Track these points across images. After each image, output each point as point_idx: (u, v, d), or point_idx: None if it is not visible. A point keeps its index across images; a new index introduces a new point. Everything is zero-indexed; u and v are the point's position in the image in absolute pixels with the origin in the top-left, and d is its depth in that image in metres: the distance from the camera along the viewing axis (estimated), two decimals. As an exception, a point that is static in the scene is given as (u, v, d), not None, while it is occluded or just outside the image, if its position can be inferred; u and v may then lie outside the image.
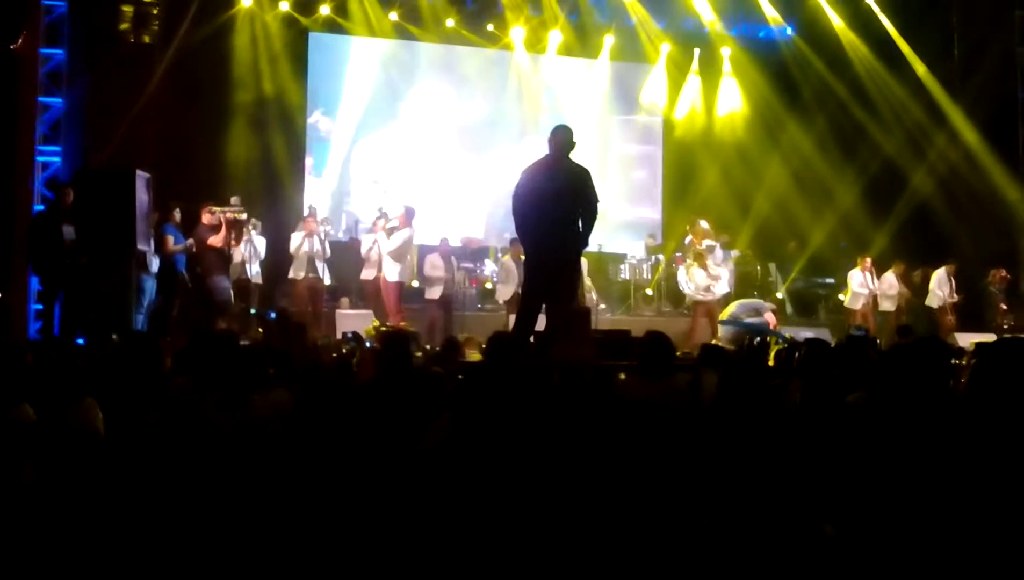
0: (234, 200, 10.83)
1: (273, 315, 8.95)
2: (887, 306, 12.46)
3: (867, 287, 12.32)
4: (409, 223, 11.09)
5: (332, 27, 13.39)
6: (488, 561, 2.83)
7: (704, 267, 11.36)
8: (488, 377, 4.05)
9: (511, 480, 3.24)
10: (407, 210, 11.21)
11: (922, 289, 12.64)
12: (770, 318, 10.87)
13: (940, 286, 12.44)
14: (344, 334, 8.69)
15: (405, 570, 2.79)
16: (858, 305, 12.32)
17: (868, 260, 12.42)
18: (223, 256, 10.55)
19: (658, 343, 4.93)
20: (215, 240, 10.34)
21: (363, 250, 11.42)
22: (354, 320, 10.65)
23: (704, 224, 11.86)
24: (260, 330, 9.08)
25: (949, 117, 13.25)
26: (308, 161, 13.38)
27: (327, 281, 11.28)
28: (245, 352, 4.72)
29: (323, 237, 11.29)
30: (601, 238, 10.84)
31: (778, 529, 2.19)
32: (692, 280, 11.40)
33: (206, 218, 10.42)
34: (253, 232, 10.96)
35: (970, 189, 13.04)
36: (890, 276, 12.53)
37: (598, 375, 4.88)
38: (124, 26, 11.77)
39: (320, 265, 11.13)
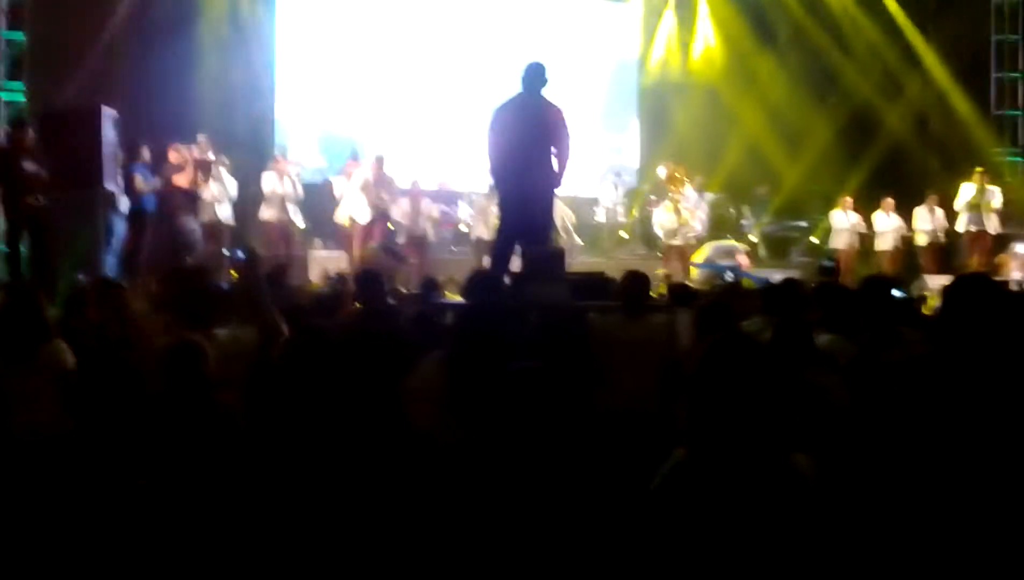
0: (200, 138, 10.61)
1: (242, 254, 8.84)
2: (883, 245, 12.30)
3: (848, 225, 12.29)
4: (380, 169, 11.01)
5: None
6: (484, 507, 2.84)
7: (676, 211, 11.36)
8: (476, 315, 4.02)
9: (504, 417, 3.22)
10: (377, 159, 11.18)
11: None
12: (743, 260, 10.94)
13: (923, 222, 12.25)
14: (329, 275, 8.69)
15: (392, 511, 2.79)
16: (842, 243, 12.27)
17: (848, 199, 12.40)
18: (190, 196, 10.34)
19: (636, 282, 4.95)
20: (180, 180, 10.13)
21: (335, 192, 11.31)
22: (327, 262, 10.58)
23: (662, 171, 11.78)
24: (233, 270, 8.98)
25: (922, 59, 13.23)
26: (278, 99, 13.12)
27: (299, 223, 11.18)
28: (211, 289, 4.66)
29: (294, 178, 11.16)
30: (575, 180, 10.76)
31: (749, 459, 2.23)
32: (661, 224, 11.44)
33: (173, 157, 10.20)
34: (222, 172, 10.78)
35: (942, 132, 13.08)
36: (881, 214, 12.35)
37: (572, 315, 4.90)
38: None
39: (292, 206, 11.03)
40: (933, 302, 7.83)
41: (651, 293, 5.46)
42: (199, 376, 2.85)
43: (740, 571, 2.18)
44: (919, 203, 12.42)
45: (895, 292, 5.38)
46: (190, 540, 2.54)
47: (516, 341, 3.88)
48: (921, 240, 12.34)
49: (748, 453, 2.23)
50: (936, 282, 9.56)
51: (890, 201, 12.41)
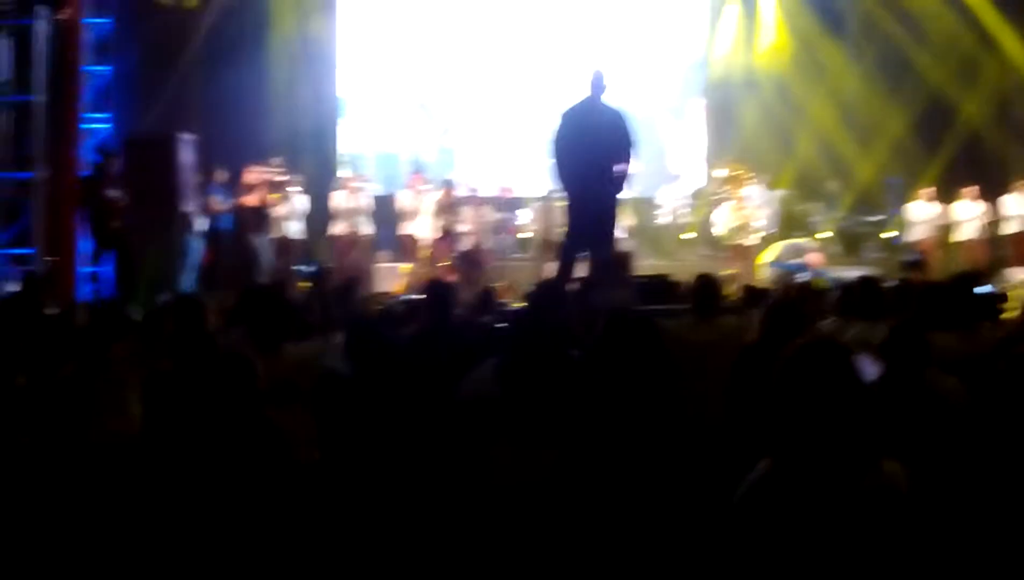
0: (275, 161, 10.95)
1: (313, 269, 9.03)
2: (968, 234, 11.81)
3: (930, 217, 11.88)
4: (450, 193, 11.28)
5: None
6: (539, 507, 2.83)
7: (737, 211, 11.19)
8: (533, 325, 4.02)
9: (561, 427, 3.21)
10: (447, 183, 11.45)
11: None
12: (815, 258, 10.71)
13: (1014, 208, 11.61)
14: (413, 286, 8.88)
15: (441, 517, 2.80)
16: (921, 235, 11.87)
17: (928, 190, 12.01)
18: (260, 214, 10.63)
19: (708, 285, 4.90)
20: (250, 199, 10.45)
21: (400, 204, 11.45)
22: (393, 273, 10.73)
23: (722, 171, 11.64)
24: (307, 284, 9.15)
25: (1000, 42, 12.77)
26: (343, 112, 13.32)
27: (369, 232, 11.38)
28: (281, 303, 4.75)
29: (364, 193, 11.39)
30: (641, 182, 10.67)
31: (837, 469, 2.15)
32: (723, 224, 11.30)
33: (248, 178, 10.51)
34: (293, 190, 11.05)
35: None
36: (966, 202, 11.85)
37: (643, 321, 4.84)
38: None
39: (362, 219, 11.23)
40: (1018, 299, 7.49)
41: (721, 294, 5.37)
42: (249, 391, 2.89)
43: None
44: (1000, 193, 11.96)
45: (981, 288, 5.23)
46: (247, 545, 2.58)
47: (577, 348, 3.87)
48: (1011, 228, 11.75)
49: (836, 463, 2.16)
50: (1019, 276, 9.18)
51: (974, 189, 11.93)
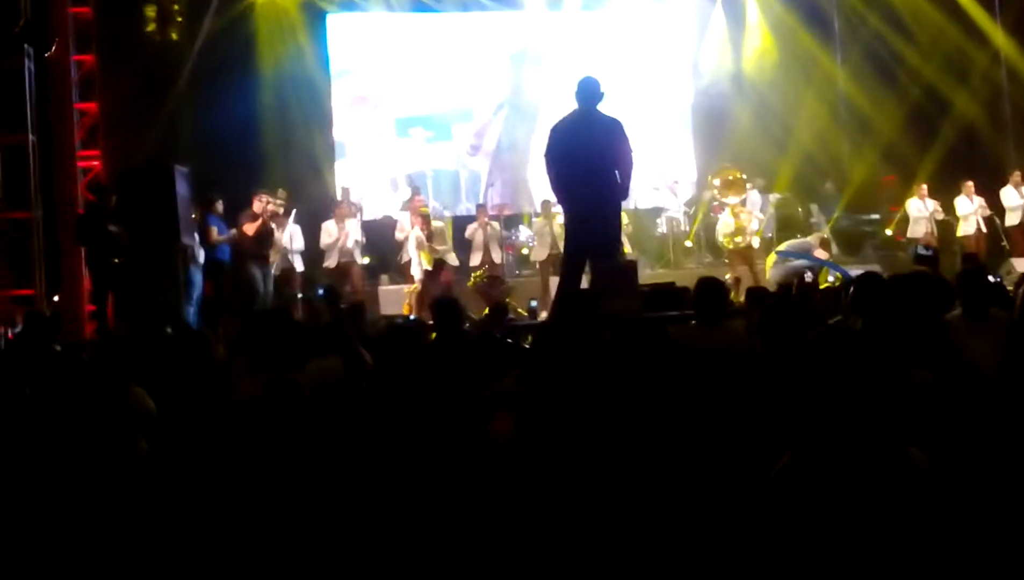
0: (281, 192, 10.89)
1: (321, 292, 8.95)
2: (966, 230, 11.96)
3: (926, 213, 11.97)
4: (428, 224, 11.04)
5: (348, 6, 13.31)
6: (559, 515, 2.83)
7: (734, 216, 11.19)
8: (562, 335, 4.02)
9: (580, 436, 3.22)
10: (423, 216, 11.06)
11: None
12: (821, 253, 10.74)
13: (1012, 199, 11.74)
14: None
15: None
16: (920, 233, 11.93)
17: (924, 187, 12.09)
18: (261, 245, 10.47)
19: (712, 289, 4.88)
20: (248, 228, 10.31)
21: (399, 234, 11.20)
22: (396, 296, 10.68)
23: (716, 181, 11.64)
24: (319, 307, 9.10)
25: (989, 36, 12.84)
26: (337, 142, 13.32)
27: (363, 261, 11.28)
28: (293, 323, 4.77)
29: (357, 220, 11.27)
30: (635, 194, 10.70)
31: (861, 456, 2.15)
32: (721, 229, 11.31)
33: (256, 206, 10.38)
34: (291, 221, 10.98)
35: (1016, 108, 12.68)
36: (962, 198, 12.01)
37: (651, 328, 4.83)
38: (150, 27, 11.84)
39: (355, 250, 11.09)
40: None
41: (727, 298, 5.37)
42: (301, 410, 2.92)
43: (860, 570, 2.12)
44: (998, 185, 12.00)
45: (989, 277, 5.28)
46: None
47: (589, 357, 3.88)
48: (1012, 219, 11.82)
49: (863, 451, 2.16)
50: (1021, 266, 9.20)
51: (970, 184, 12.03)
